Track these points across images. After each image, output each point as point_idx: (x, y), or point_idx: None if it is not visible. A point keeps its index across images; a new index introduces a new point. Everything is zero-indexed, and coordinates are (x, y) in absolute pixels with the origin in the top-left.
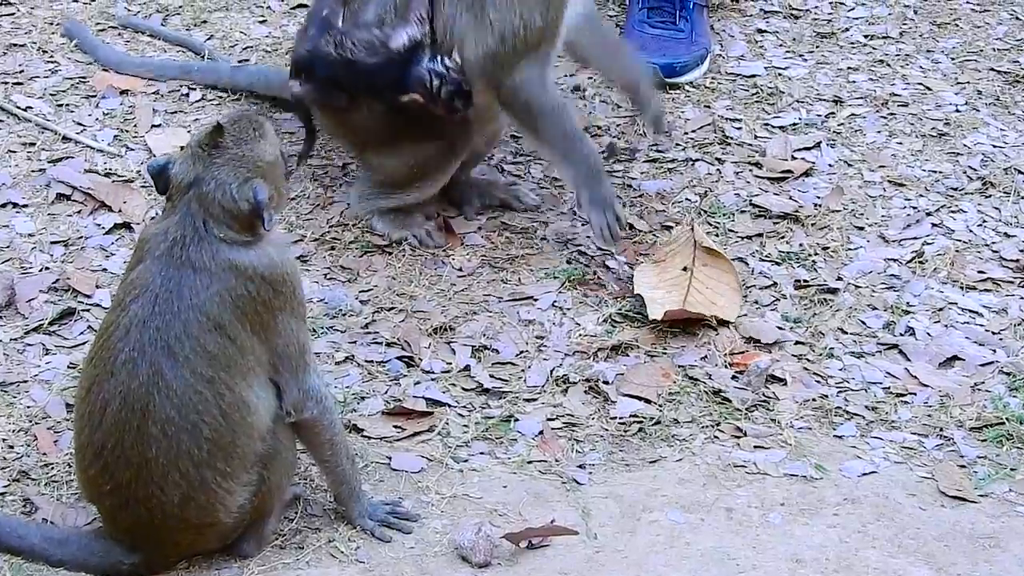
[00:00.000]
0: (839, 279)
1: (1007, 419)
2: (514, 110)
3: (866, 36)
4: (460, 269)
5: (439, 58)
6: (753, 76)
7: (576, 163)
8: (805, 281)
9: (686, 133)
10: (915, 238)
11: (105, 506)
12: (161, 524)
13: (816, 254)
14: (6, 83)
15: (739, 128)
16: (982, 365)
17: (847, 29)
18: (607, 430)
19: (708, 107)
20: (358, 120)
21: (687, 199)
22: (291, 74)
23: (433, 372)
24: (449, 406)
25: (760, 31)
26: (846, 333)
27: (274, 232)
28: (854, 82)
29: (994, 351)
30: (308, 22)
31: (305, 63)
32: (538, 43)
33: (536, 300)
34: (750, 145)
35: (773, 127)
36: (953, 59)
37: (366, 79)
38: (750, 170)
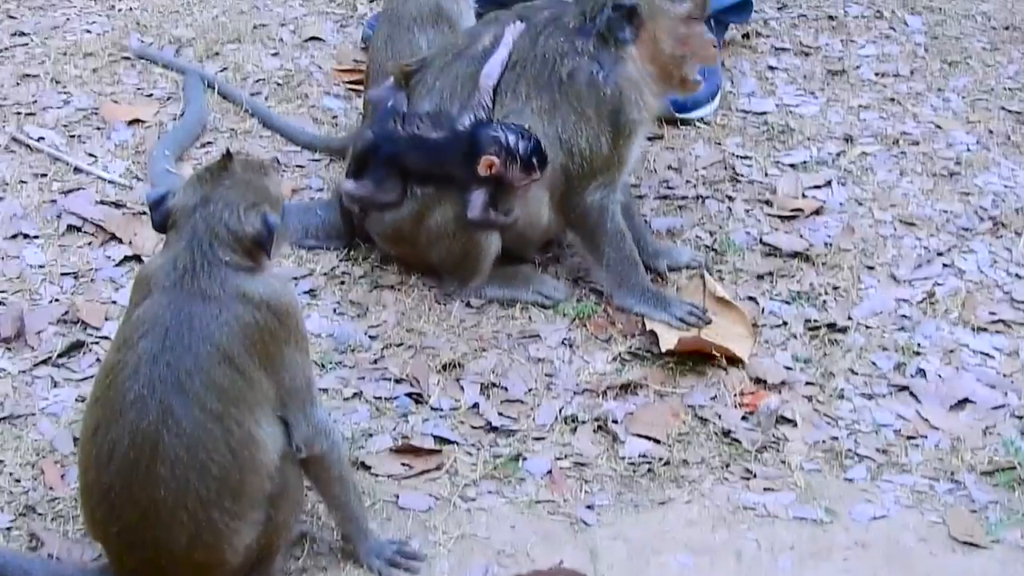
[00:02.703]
0: (849, 319)
1: (1019, 463)
2: (581, 231)
3: (877, 74)
4: (469, 305)
5: (510, 123)
6: (764, 113)
7: (633, 288)
8: (815, 321)
9: (696, 170)
10: (926, 278)
11: (112, 546)
12: (168, 564)
13: (827, 293)
14: (19, 113)
15: (749, 165)
16: (993, 408)
17: (858, 67)
18: (616, 470)
19: (719, 144)
20: (400, 218)
21: (697, 237)
22: (346, 173)
23: (442, 409)
24: (457, 444)
25: (771, 68)
26: (856, 374)
27: (275, 268)
28: (865, 120)
29: (1005, 394)
30: (369, 116)
31: (369, 147)
32: (607, 168)
33: (545, 337)
34: (760, 183)
35: (784, 165)
36: (964, 98)
37: (434, 151)
38: (760, 208)
